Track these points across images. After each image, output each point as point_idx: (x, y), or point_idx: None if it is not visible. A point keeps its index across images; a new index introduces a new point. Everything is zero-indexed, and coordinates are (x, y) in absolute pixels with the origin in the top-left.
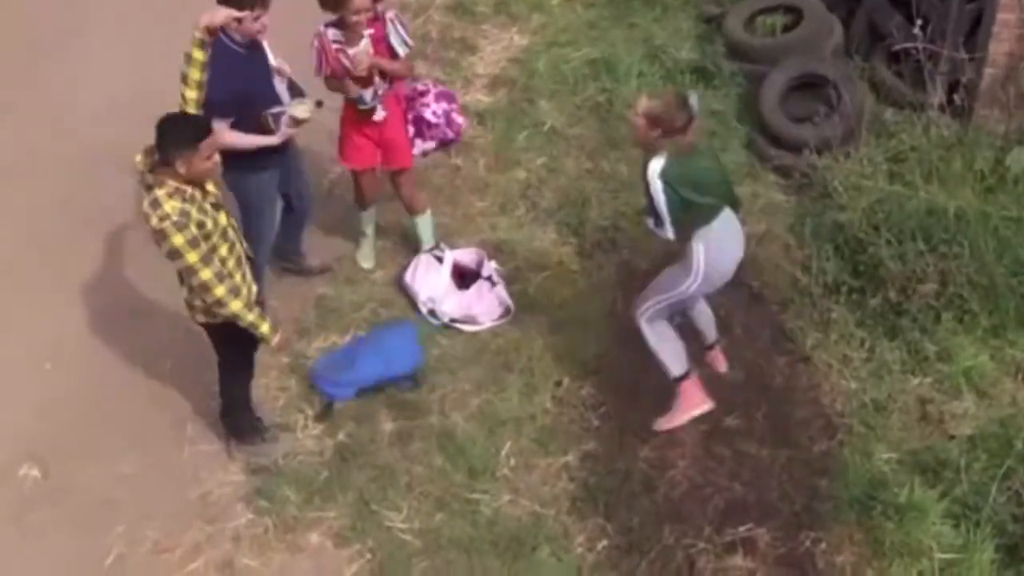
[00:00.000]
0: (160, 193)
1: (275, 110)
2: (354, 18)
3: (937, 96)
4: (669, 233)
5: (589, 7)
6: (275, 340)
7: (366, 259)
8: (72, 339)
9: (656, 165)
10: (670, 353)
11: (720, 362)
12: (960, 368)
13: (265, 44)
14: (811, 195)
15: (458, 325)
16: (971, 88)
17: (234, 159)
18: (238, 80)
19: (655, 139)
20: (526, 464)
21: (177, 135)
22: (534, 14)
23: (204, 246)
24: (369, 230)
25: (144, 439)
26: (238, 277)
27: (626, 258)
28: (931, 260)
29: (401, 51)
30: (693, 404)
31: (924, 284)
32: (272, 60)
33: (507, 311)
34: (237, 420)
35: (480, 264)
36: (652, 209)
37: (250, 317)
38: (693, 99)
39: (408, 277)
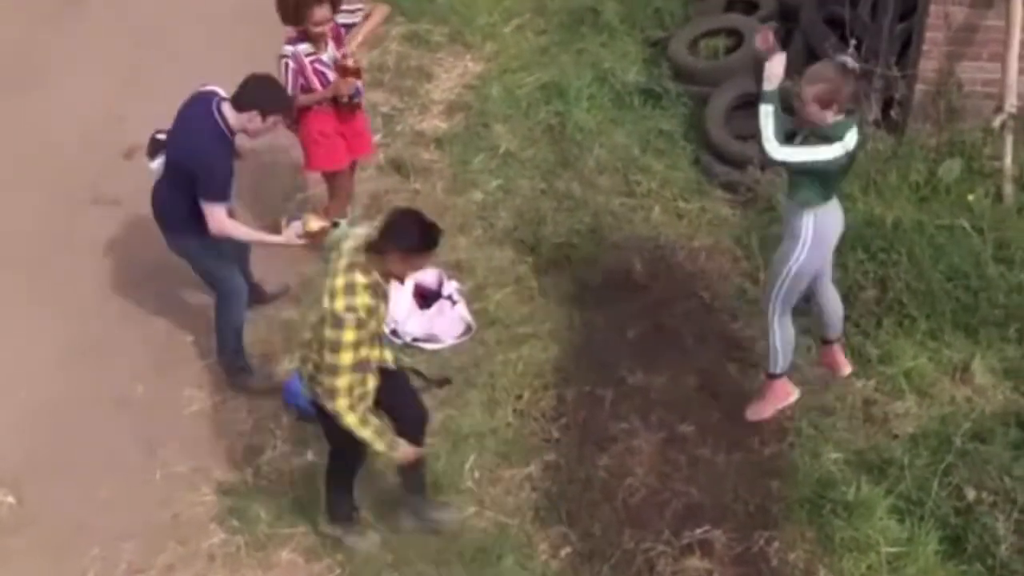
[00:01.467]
0: (360, 280)
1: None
2: (316, 29)
3: (872, 112)
4: (778, 154)
5: (540, 34)
6: (398, 454)
7: None
8: (43, 367)
9: (853, 134)
10: (784, 353)
11: (840, 362)
12: (901, 370)
13: None
14: (756, 209)
15: (421, 344)
16: (904, 104)
17: (188, 225)
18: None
19: (828, 117)
20: (490, 476)
21: (408, 237)
22: (487, 42)
23: (363, 350)
24: None
25: (117, 464)
26: (370, 383)
27: (581, 274)
28: (871, 268)
29: (356, 19)
30: (783, 396)
31: (865, 291)
32: None
33: (468, 328)
34: (336, 504)
35: (441, 284)
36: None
37: (366, 433)
38: (848, 60)
39: None
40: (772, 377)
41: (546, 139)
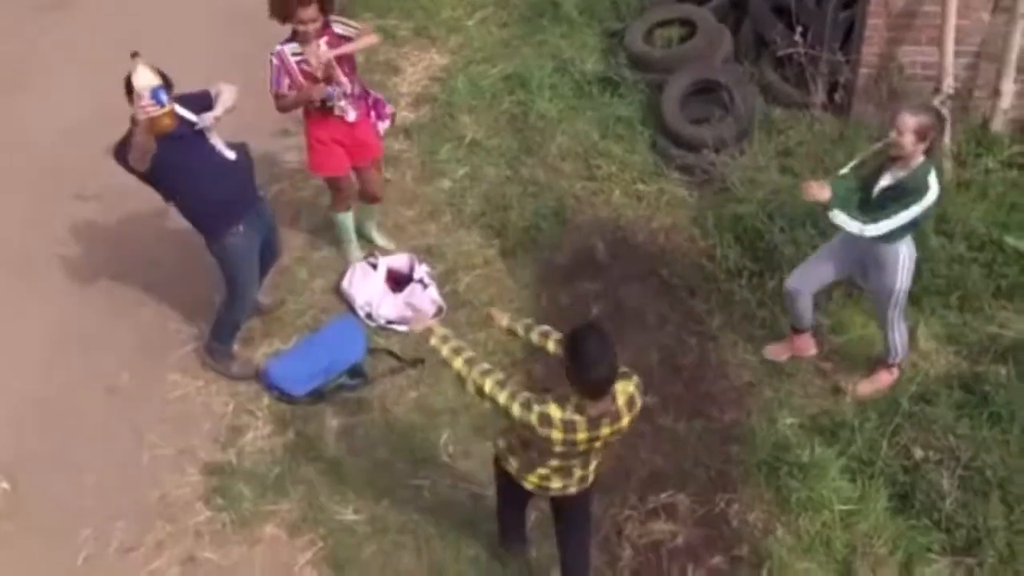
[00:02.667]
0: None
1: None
2: (301, 28)
3: (819, 95)
4: (879, 231)
5: (502, 27)
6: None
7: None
8: (33, 358)
9: (935, 178)
10: (903, 347)
11: (810, 345)
12: (851, 338)
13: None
14: (712, 190)
15: (394, 326)
16: (848, 87)
17: (207, 225)
18: (180, 166)
19: (919, 152)
20: (464, 450)
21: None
22: (452, 35)
23: None
24: (352, 232)
25: (106, 448)
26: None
27: (546, 255)
28: (821, 243)
29: (351, 32)
30: (887, 382)
31: None
32: (196, 119)
33: (439, 310)
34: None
35: (412, 268)
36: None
37: None
38: (942, 108)
39: (345, 284)
40: (888, 366)
41: (510, 128)
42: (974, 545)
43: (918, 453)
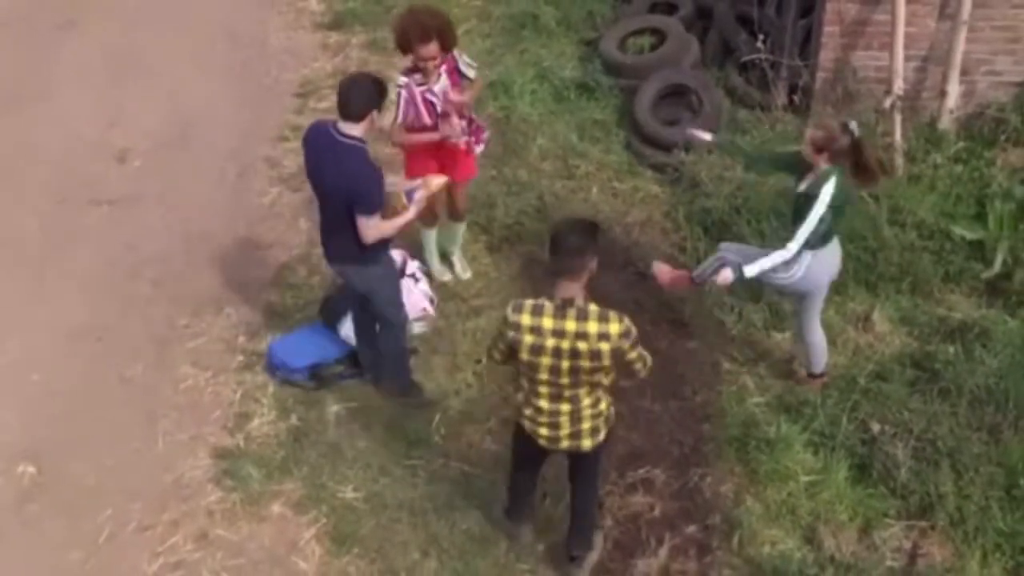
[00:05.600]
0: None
1: (407, 188)
2: (422, 64)
3: (780, 98)
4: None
5: (486, 38)
6: None
7: (443, 272)
8: (53, 352)
9: (829, 188)
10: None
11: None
12: None
13: None
14: (682, 186)
15: None
16: (807, 90)
17: (363, 255)
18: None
19: (819, 162)
20: (454, 432)
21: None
22: None
23: None
24: (434, 246)
25: (123, 435)
26: None
27: (530, 250)
28: (783, 235)
29: (471, 74)
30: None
31: None
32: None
33: (430, 302)
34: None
35: (405, 263)
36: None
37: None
38: (853, 123)
39: None
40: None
41: (494, 131)
42: (927, 510)
43: (875, 427)
